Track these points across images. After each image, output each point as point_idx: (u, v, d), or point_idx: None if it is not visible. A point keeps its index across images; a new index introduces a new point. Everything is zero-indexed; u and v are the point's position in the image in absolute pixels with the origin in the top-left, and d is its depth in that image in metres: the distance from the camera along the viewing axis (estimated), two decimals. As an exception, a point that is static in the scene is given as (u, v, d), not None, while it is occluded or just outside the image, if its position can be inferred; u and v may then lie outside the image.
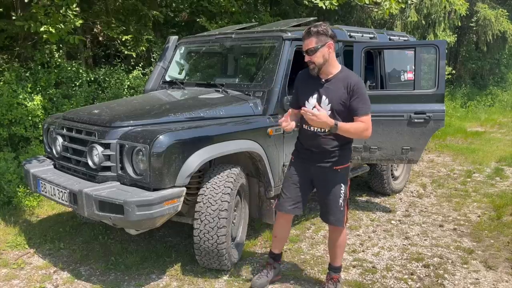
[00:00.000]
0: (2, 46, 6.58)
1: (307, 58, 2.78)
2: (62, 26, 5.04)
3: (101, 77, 6.76)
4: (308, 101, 2.88)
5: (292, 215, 3.15)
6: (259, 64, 4.23)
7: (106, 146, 3.17)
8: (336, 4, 5.97)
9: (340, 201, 2.94)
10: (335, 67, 2.86)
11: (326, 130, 2.79)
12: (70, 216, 4.58)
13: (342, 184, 2.94)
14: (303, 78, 2.99)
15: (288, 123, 2.81)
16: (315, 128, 2.87)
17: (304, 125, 2.95)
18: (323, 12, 6.58)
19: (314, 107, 2.78)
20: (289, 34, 3.96)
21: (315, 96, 2.85)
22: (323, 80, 2.86)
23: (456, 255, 3.84)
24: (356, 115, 2.79)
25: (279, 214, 3.17)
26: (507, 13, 12.59)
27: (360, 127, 2.78)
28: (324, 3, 5.90)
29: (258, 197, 3.85)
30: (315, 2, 5.93)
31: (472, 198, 5.39)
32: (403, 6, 7.05)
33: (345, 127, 2.74)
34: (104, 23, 7.19)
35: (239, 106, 3.74)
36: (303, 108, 2.75)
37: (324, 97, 2.82)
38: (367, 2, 6.31)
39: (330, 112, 2.80)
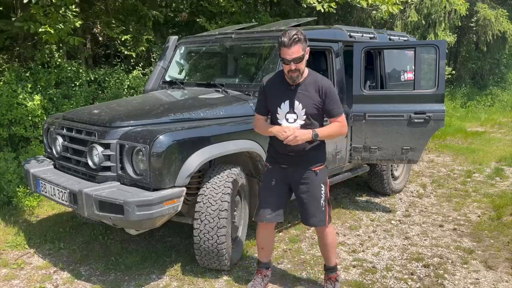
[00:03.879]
0: (2, 46, 6.58)
1: (292, 66, 2.67)
2: (62, 27, 5.04)
3: (101, 77, 6.75)
4: (280, 107, 2.83)
5: (274, 223, 3.10)
6: (259, 64, 4.24)
7: (106, 146, 3.17)
8: (334, 7, 5.96)
9: (321, 201, 2.93)
10: (305, 71, 2.82)
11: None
12: (70, 216, 4.58)
13: (322, 185, 2.93)
14: (271, 85, 2.90)
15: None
16: None
17: None
18: (323, 13, 6.56)
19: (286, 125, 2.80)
20: (289, 34, 3.95)
21: (287, 102, 2.81)
22: (293, 85, 2.80)
23: (456, 255, 3.84)
24: (331, 116, 2.84)
25: (261, 225, 3.09)
26: (507, 13, 12.59)
27: (337, 127, 2.83)
28: (322, 6, 5.89)
29: (258, 197, 3.85)
30: (313, 4, 5.92)
31: (472, 198, 5.39)
32: (401, 8, 7.04)
33: (324, 132, 2.79)
34: (104, 23, 7.18)
35: (239, 106, 3.74)
36: (283, 132, 2.72)
37: (297, 103, 2.79)
38: (364, 6, 6.30)
39: (305, 116, 2.80)
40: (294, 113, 2.80)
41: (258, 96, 3.00)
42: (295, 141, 2.70)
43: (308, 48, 2.76)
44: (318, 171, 2.92)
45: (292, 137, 2.69)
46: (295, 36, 2.62)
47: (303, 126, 2.80)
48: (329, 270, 3.18)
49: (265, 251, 3.19)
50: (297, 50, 2.64)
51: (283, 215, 3.07)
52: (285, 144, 2.79)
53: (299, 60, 2.66)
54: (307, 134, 2.73)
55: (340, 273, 3.36)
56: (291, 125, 2.80)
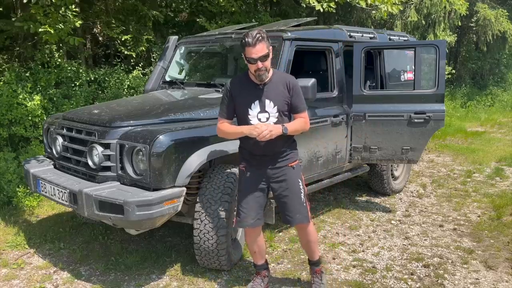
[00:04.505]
0: (2, 46, 6.58)
1: (259, 65, 2.69)
2: (62, 27, 5.04)
3: (101, 77, 6.76)
4: (251, 108, 2.81)
5: (260, 226, 3.08)
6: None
7: (106, 146, 3.17)
8: (334, 7, 5.96)
9: (302, 196, 2.95)
10: (270, 71, 2.83)
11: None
12: (70, 216, 4.58)
13: (299, 180, 2.96)
14: (237, 87, 2.88)
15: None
16: None
17: None
18: (323, 13, 6.57)
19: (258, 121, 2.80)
20: (289, 34, 3.96)
21: (257, 102, 2.80)
22: (261, 85, 2.81)
23: (456, 255, 3.84)
24: (296, 112, 2.88)
25: (248, 230, 3.05)
26: (507, 13, 12.58)
27: (302, 122, 2.88)
28: (321, 6, 5.89)
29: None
30: (312, 4, 5.92)
31: (472, 198, 5.39)
32: (401, 8, 7.04)
33: (292, 127, 2.81)
34: (104, 23, 7.19)
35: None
36: (256, 128, 2.69)
37: (268, 101, 2.79)
38: (363, 6, 6.30)
39: (277, 113, 2.81)
40: (266, 111, 2.80)
41: (222, 100, 2.94)
42: (270, 135, 2.69)
43: (271, 47, 2.78)
44: (294, 166, 2.95)
45: (267, 131, 2.67)
46: (258, 35, 2.67)
47: (275, 124, 2.80)
48: (314, 264, 3.19)
49: (259, 253, 3.17)
50: (262, 48, 2.68)
51: (263, 217, 3.04)
52: (259, 145, 2.78)
53: (264, 58, 2.70)
54: (279, 128, 2.75)
55: (323, 267, 3.31)
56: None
